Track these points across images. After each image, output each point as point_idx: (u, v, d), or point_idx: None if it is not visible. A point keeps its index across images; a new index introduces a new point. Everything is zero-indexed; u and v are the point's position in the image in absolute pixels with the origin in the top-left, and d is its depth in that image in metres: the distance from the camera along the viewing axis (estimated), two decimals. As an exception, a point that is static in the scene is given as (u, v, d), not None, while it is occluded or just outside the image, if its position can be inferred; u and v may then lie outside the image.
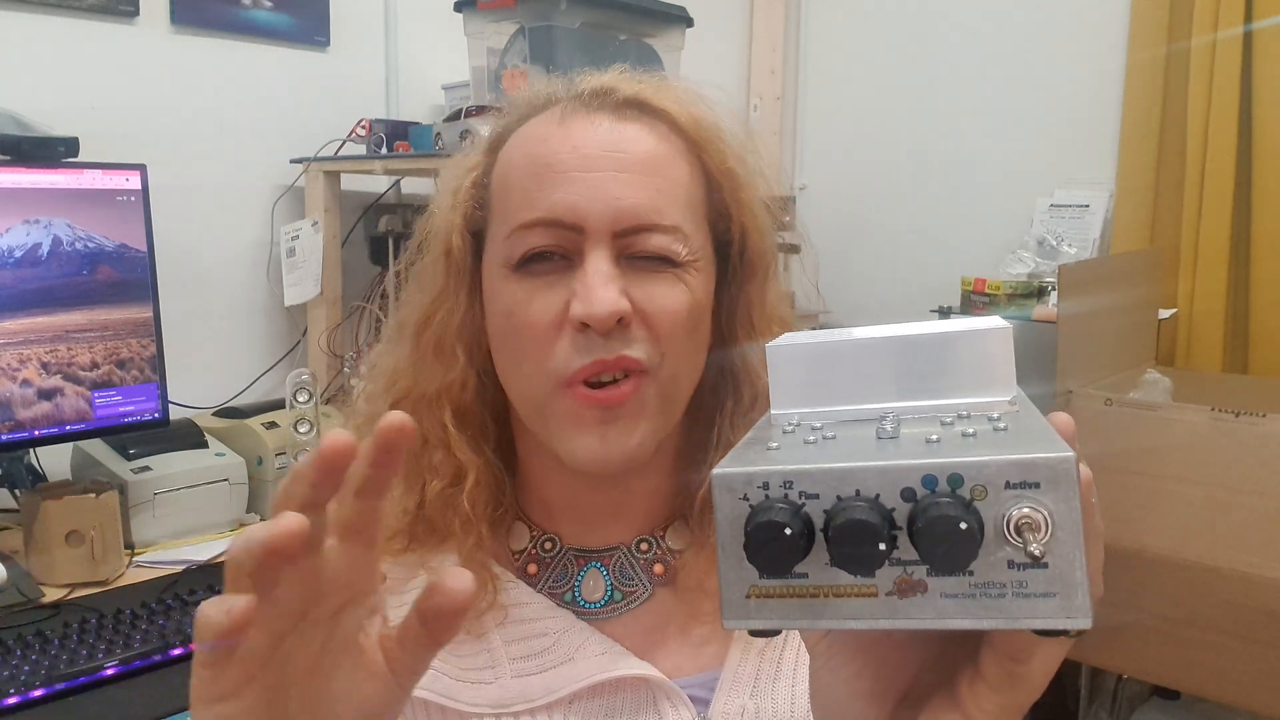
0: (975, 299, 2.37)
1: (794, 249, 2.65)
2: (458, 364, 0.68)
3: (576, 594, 0.70)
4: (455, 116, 1.79)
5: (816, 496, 0.37)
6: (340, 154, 1.93)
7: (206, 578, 1.40)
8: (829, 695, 0.46)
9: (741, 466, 0.38)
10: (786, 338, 0.46)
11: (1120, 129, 2.37)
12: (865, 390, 0.43)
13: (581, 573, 0.70)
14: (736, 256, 0.70)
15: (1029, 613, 0.36)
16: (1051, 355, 1.93)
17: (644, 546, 0.71)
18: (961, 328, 0.43)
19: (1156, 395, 1.94)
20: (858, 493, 0.36)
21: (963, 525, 0.35)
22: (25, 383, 1.41)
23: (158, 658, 1.18)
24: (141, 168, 1.51)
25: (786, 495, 0.37)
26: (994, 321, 0.44)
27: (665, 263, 0.64)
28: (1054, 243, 2.40)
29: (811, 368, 0.44)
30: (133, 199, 1.51)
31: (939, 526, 0.35)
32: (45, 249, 1.43)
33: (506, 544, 0.72)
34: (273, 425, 1.69)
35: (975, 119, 2.64)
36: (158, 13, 1.79)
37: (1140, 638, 1.83)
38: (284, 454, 1.64)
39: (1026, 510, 0.35)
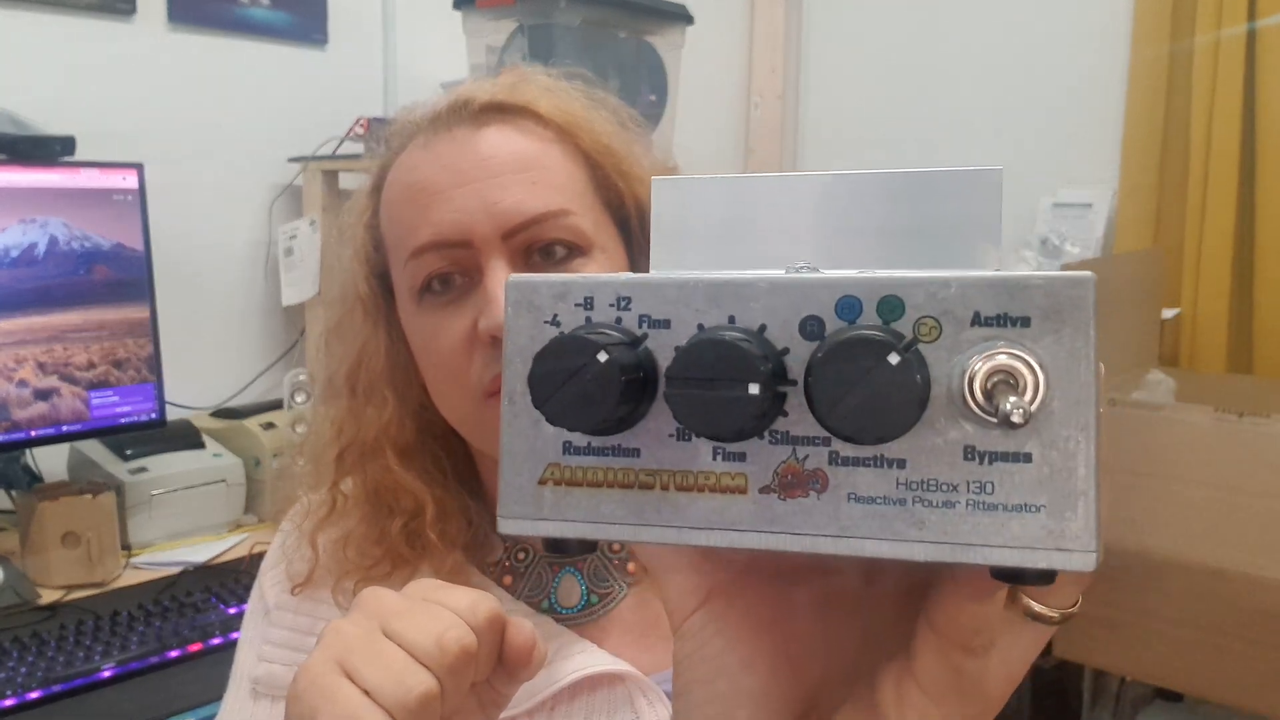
0: (977, 299, 2.36)
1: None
2: (389, 406, 0.68)
3: (553, 601, 0.70)
4: (454, 115, 1.78)
5: (667, 324, 0.24)
6: (338, 153, 1.92)
7: (203, 579, 1.39)
8: (702, 696, 0.32)
9: (550, 275, 0.26)
10: (683, 177, 0.31)
11: (1123, 127, 2.36)
12: (789, 250, 0.28)
13: (556, 580, 0.70)
14: (638, 231, 0.69)
15: (992, 535, 0.22)
16: (1054, 355, 1.92)
17: (615, 546, 0.70)
18: (937, 169, 0.30)
19: (1160, 396, 1.93)
20: (732, 319, 0.24)
21: (893, 358, 0.22)
22: (21, 383, 1.40)
23: (154, 660, 1.17)
24: (138, 167, 1.50)
25: (620, 320, 0.25)
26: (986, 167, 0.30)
27: (568, 253, 0.64)
28: (1057, 242, 2.40)
29: (714, 212, 0.28)
30: (129, 198, 1.50)
31: (854, 357, 0.22)
32: (42, 248, 1.42)
33: (482, 557, 0.72)
34: (270, 426, 1.68)
35: (977, 118, 2.63)
36: (155, 11, 1.78)
37: (1144, 640, 1.82)
38: (281, 455, 1.63)
39: (1002, 359, 0.22)
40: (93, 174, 1.46)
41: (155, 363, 1.54)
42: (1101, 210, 2.40)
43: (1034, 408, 0.22)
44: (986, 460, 0.22)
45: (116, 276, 1.49)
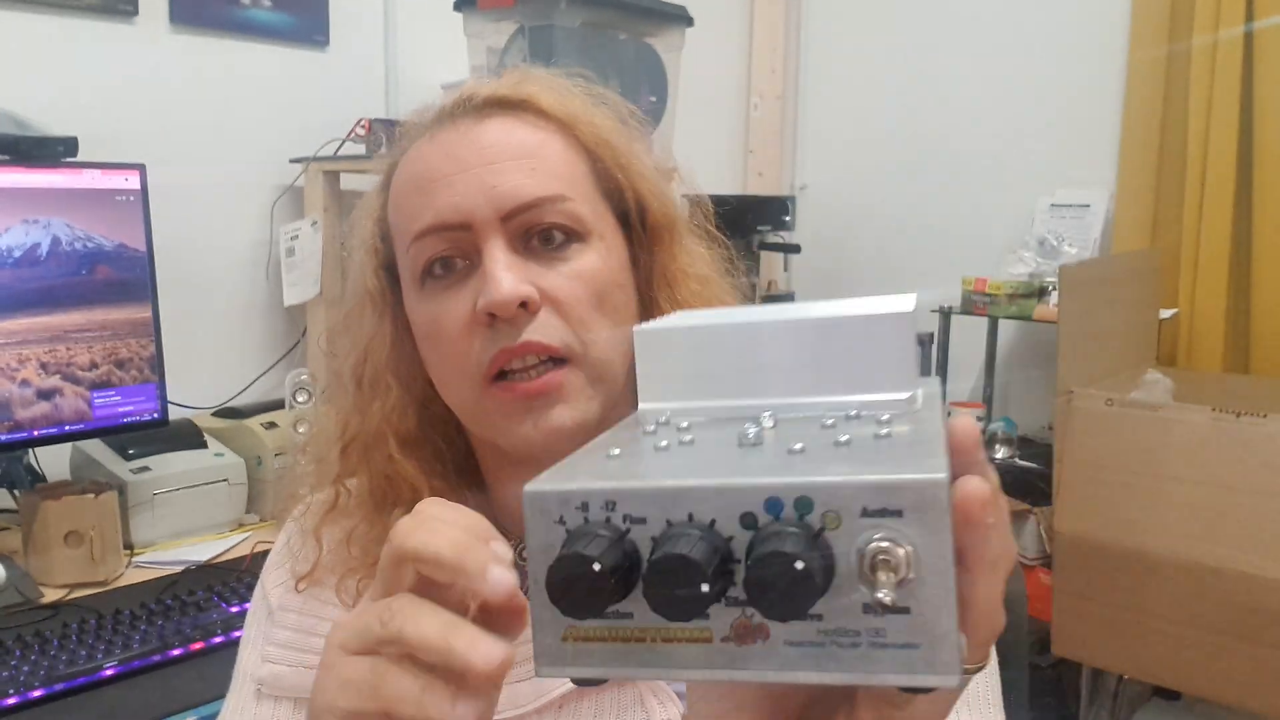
0: (976, 299, 2.36)
1: (794, 249, 2.65)
2: (392, 394, 0.69)
3: None
4: (455, 116, 1.79)
5: (644, 521, 0.31)
6: (340, 153, 1.93)
7: (205, 578, 1.40)
8: (708, 711, 0.43)
9: (559, 483, 0.33)
10: (658, 320, 0.41)
11: (1121, 128, 2.37)
12: (747, 383, 0.37)
13: None
14: (638, 223, 0.70)
15: (886, 666, 0.30)
16: (1052, 355, 1.92)
17: None
18: (854, 311, 0.37)
19: (1157, 396, 1.94)
20: (690, 517, 0.31)
21: (798, 565, 0.29)
22: (24, 383, 1.41)
23: (157, 658, 1.18)
24: (140, 167, 1.51)
25: (609, 519, 0.32)
26: (897, 303, 0.38)
27: (565, 239, 0.65)
28: (1055, 242, 2.40)
29: (686, 356, 0.37)
30: (132, 199, 1.50)
31: (769, 565, 0.29)
32: (44, 249, 1.42)
33: None
34: (272, 425, 1.68)
35: (976, 118, 2.63)
36: (157, 12, 1.78)
37: (1141, 638, 1.82)
38: (283, 454, 1.64)
39: (884, 544, 0.29)
40: (95, 175, 1.47)
41: (157, 362, 1.54)
42: (1099, 211, 2.41)
43: (904, 582, 0.29)
44: (878, 613, 0.30)
45: (119, 277, 1.50)
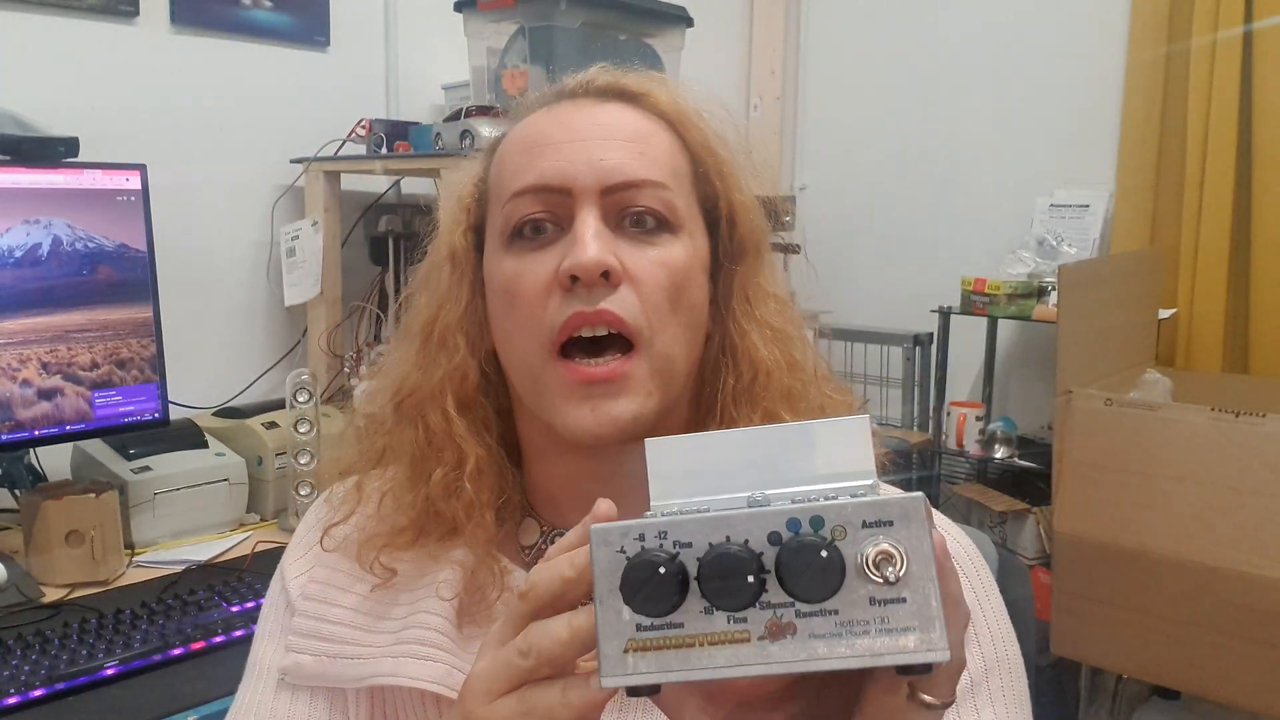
0: (975, 299, 2.37)
1: (794, 249, 2.65)
2: (459, 353, 0.70)
3: None
4: (455, 116, 1.79)
5: (690, 545, 0.40)
6: (340, 154, 1.93)
7: (206, 577, 1.40)
8: None
9: (619, 522, 0.41)
10: (663, 439, 0.47)
11: (1120, 129, 2.37)
12: (738, 477, 0.45)
13: None
14: (726, 234, 0.71)
15: (891, 648, 0.38)
16: (1051, 355, 1.93)
17: None
18: (822, 420, 0.47)
19: (1156, 395, 1.94)
20: (728, 539, 0.40)
21: (824, 553, 0.38)
22: (25, 383, 1.41)
23: (158, 658, 1.18)
24: (141, 168, 1.51)
25: (661, 545, 0.40)
26: (857, 417, 0.47)
27: (657, 225, 0.66)
28: (1054, 243, 2.41)
29: (687, 458, 0.46)
30: (133, 199, 1.51)
31: (803, 554, 0.38)
32: (45, 249, 1.43)
33: (517, 539, 0.72)
34: (273, 425, 1.69)
35: (975, 119, 2.64)
36: (158, 13, 1.79)
37: (1140, 638, 1.83)
38: (284, 454, 1.64)
39: (884, 545, 0.38)
40: (96, 175, 1.47)
41: (158, 362, 1.54)
42: (1098, 211, 2.41)
43: (901, 572, 0.38)
44: (882, 604, 0.39)
45: (120, 277, 1.50)
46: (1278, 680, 1.68)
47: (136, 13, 1.76)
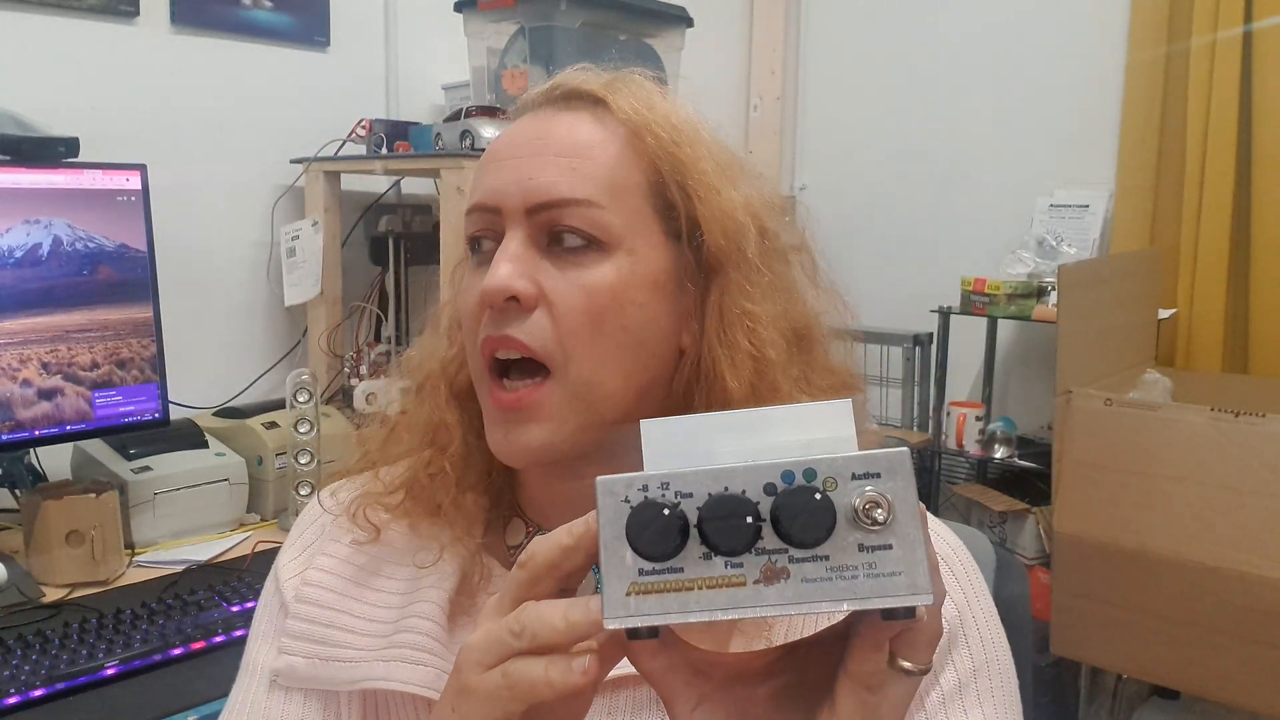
0: (975, 299, 2.37)
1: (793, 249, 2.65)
2: (456, 343, 0.72)
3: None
4: (455, 116, 1.79)
5: (690, 495, 0.42)
6: (340, 154, 1.93)
7: (207, 578, 1.40)
8: None
9: (623, 473, 0.43)
10: (657, 420, 0.49)
11: (1120, 129, 2.37)
12: (730, 452, 0.47)
13: None
14: (693, 249, 0.67)
15: (879, 591, 0.41)
16: (1051, 355, 1.93)
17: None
18: (809, 403, 0.49)
19: (1156, 395, 1.94)
20: (726, 489, 0.42)
21: (818, 495, 0.41)
22: (25, 383, 1.41)
23: (158, 658, 1.18)
24: (142, 168, 1.51)
25: (663, 495, 0.42)
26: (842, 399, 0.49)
27: (584, 245, 0.64)
28: (1054, 243, 2.41)
29: (681, 436, 0.48)
30: (133, 199, 1.51)
31: (798, 496, 0.41)
32: (45, 249, 1.43)
33: (504, 540, 0.72)
34: (273, 425, 1.69)
35: (975, 119, 2.64)
36: (158, 13, 1.79)
37: (1140, 638, 1.83)
38: (284, 454, 1.64)
39: (871, 493, 0.41)
40: (96, 175, 1.47)
41: (158, 362, 1.55)
42: (1098, 211, 2.41)
43: (888, 520, 0.41)
44: (870, 550, 0.41)
45: (120, 277, 1.50)
46: (1278, 680, 1.68)
47: (136, 13, 1.76)
